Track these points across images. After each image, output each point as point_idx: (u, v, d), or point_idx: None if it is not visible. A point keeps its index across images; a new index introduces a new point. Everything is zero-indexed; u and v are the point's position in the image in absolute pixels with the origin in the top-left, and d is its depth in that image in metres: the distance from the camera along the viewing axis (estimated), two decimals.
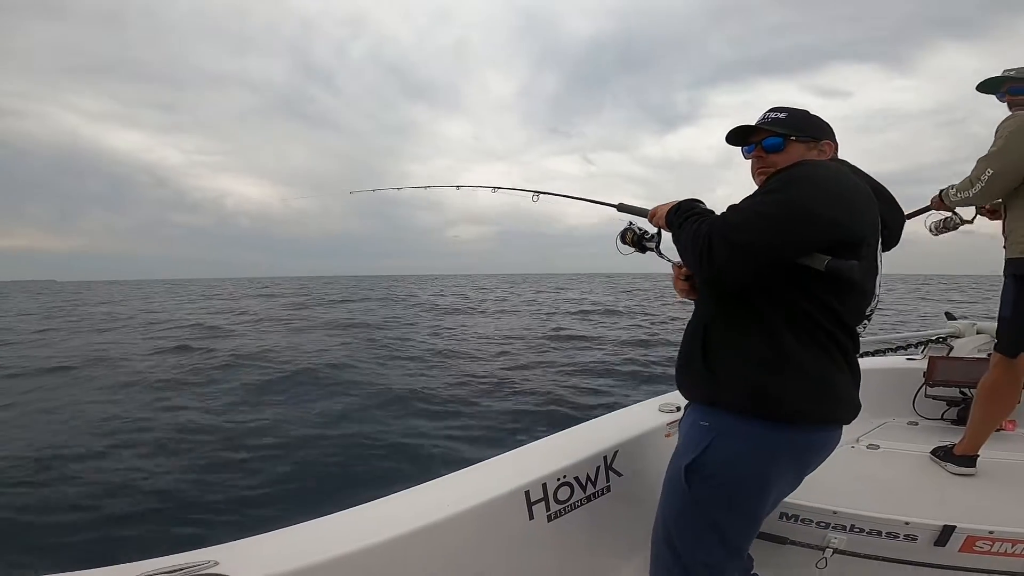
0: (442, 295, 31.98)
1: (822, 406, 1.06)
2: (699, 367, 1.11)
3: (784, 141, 1.13)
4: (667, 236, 1.27)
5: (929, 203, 2.22)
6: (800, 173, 1.02)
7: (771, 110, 1.18)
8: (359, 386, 6.66)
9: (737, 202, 1.04)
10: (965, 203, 2.07)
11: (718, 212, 1.09)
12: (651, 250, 1.42)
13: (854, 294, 1.06)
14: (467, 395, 6.26)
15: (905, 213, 2.44)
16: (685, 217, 1.12)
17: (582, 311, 18.25)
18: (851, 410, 1.11)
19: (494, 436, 4.87)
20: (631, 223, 1.46)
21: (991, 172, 1.82)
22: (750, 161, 1.20)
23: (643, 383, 6.92)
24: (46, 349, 10.66)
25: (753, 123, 1.18)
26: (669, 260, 1.38)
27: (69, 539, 3.20)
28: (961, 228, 2.29)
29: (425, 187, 2.73)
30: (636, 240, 1.44)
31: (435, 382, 6.94)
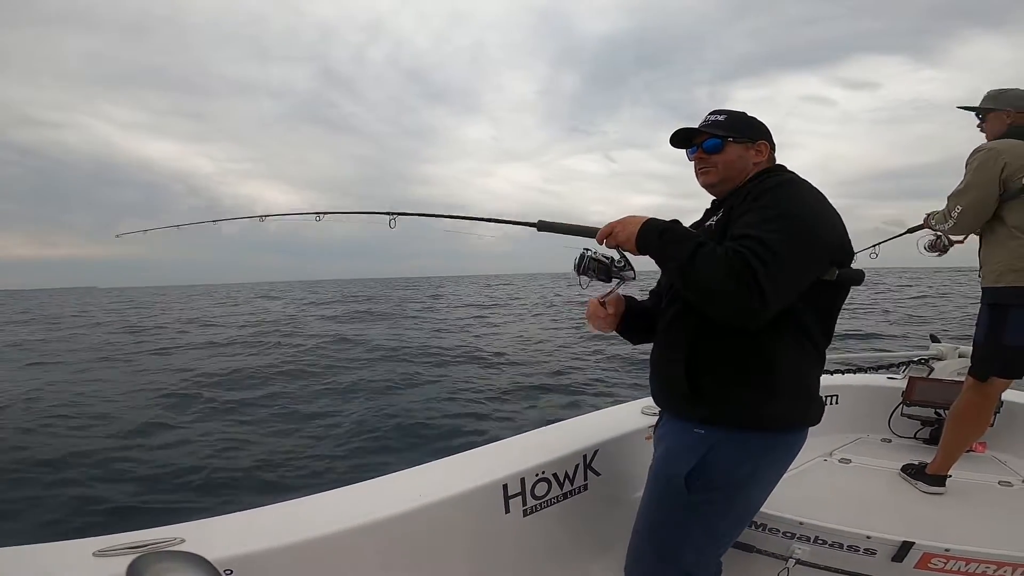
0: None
1: (809, 411, 1.14)
2: (685, 386, 1.13)
3: (722, 142, 1.19)
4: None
5: (923, 222, 2.28)
6: (800, 195, 1.07)
7: (712, 112, 1.24)
8: None
9: (750, 230, 0.98)
10: (945, 234, 2.16)
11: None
12: (621, 280, 1.24)
13: (845, 295, 1.14)
14: None
15: (902, 231, 2.48)
16: (694, 247, 0.99)
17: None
18: (822, 410, 1.19)
19: None
20: (588, 249, 1.24)
21: (959, 209, 1.88)
22: (693, 162, 1.25)
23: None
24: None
25: (695, 126, 1.23)
26: (607, 293, 1.28)
27: (30, 512, 3.20)
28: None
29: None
30: (604, 270, 1.22)
31: None
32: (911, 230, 2.49)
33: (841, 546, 1.55)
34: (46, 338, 13.98)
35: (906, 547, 1.49)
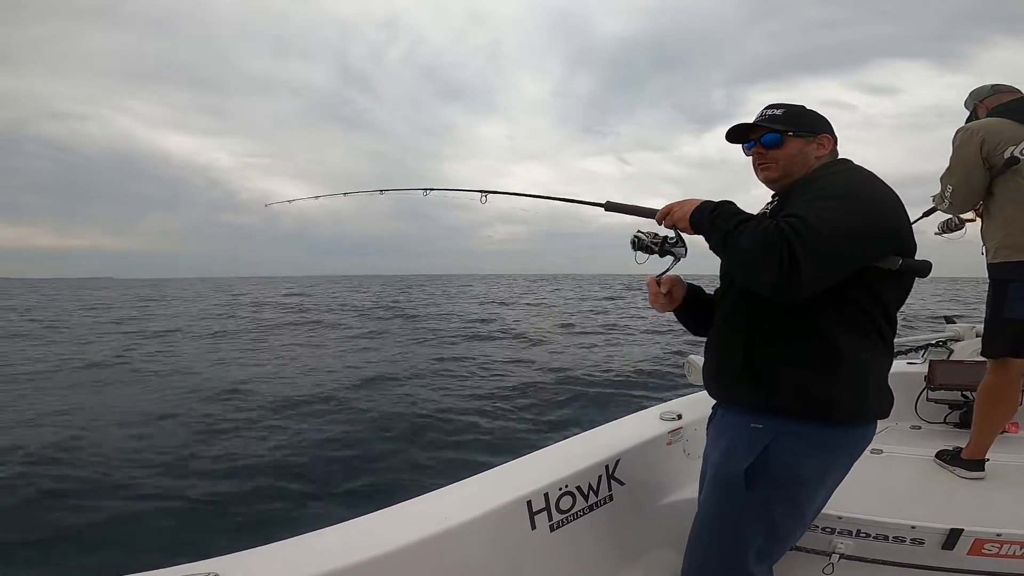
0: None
1: (875, 404, 1.10)
2: (744, 374, 1.10)
3: (782, 136, 1.16)
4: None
5: (933, 205, 2.29)
6: (856, 180, 1.06)
7: (768, 107, 1.21)
8: None
9: (798, 209, 0.98)
10: (947, 213, 2.20)
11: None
12: (673, 256, 1.28)
13: (908, 288, 1.11)
14: None
15: (922, 213, 2.49)
16: (739, 220, 1.01)
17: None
18: (891, 403, 1.14)
19: None
20: (641, 229, 1.31)
21: (951, 188, 1.92)
22: (751, 158, 1.22)
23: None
24: None
25: (751, 121, 1.20)
26: (664, 271, 1.31)
27: (56, 547, 3.13)
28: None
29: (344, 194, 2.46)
30: (659, 246, 1.27)
31: None
32: (926, 213, 2.47)
33: (886, 538, 1.49)
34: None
35: (955, 534, 1.43)
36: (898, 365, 2.78)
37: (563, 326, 14.54)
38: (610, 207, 1.40)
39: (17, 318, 19.14)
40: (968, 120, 2.02)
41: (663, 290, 1.30)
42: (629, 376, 7.55)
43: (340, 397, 6.34)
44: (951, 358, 2.64)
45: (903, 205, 1.08)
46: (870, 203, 1.01)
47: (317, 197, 2.61)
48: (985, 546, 1.42)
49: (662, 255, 1.28)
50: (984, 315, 1.96)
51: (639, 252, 1.30)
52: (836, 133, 1.21)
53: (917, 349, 2.88)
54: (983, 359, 2.50)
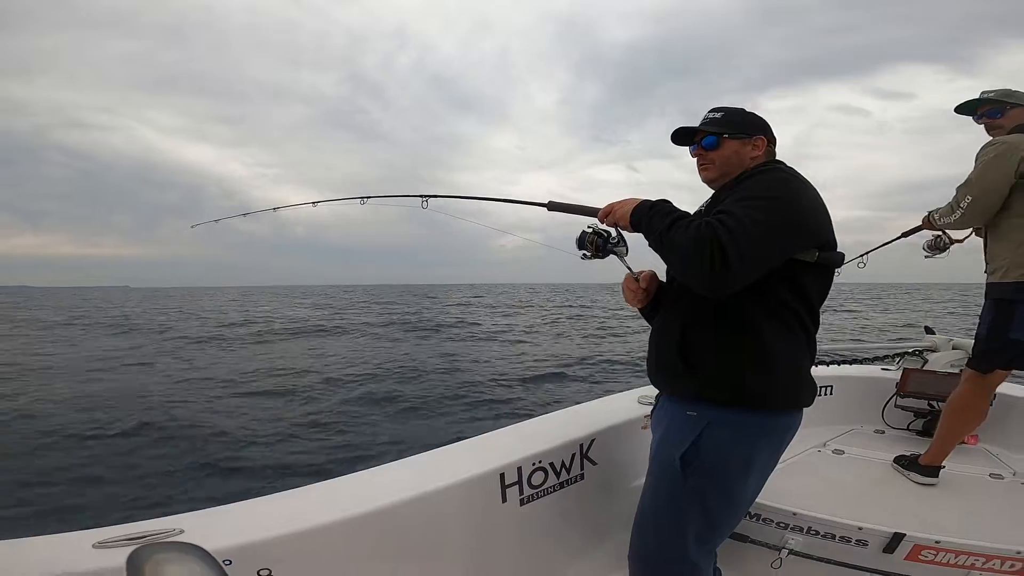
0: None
1: (799, 393, 1.16)
2: (679, 366, 1.17)
3: (718, 139, 1.23)
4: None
5: (921, 223, 2.25)
6: (780, 180, 1.11)
7: (710, 111, 1.28)
8: None
9: (726, 206, 1.04)
10: (949, 227, 2.12)
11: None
12: (616, 255, 1.32)
13: (828, 281, 1.17)
14: None
15: (900, 233, 2.46)
16: (673, 219, 1.08)
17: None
18: (815, 392, 1.21)
19: None
20: (589, 226, 1.33)
21: (970, 199, 1.86)
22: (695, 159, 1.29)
23: None
24: None
25: (696, 125, 1.27)
26: (628, 267, 1.34)
27: (25, 505, 3.22)
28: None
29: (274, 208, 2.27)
30: (600, 245, 1.31)
31: None
32: (905, 234, 2.46)
33: (833, 537, 1.57)
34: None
35: (897, 538, 1.50)
36: (872, 370, 2.85)
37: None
38: (553, 207, 1.42)
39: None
40: (994, 118, 1.91)
41: (643, 285, 1.34)
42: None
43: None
44: (925, 368, 2.71)
45: (824, 204, 1.14)
46: (791, 201, 1.07)
47: (244, 215, 2.51)
48: (922, 552, 1.50)
49: (605, 255, 1.32)
50: (977, 330, 1.95)
51: (582, 250, 1.34)
52: (774, 135, 1.27)
53: (893, 356, 2.94)
54: (955, 371, 2.57)
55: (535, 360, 8.88)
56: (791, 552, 1.58)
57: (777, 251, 1.05)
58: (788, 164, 1.22)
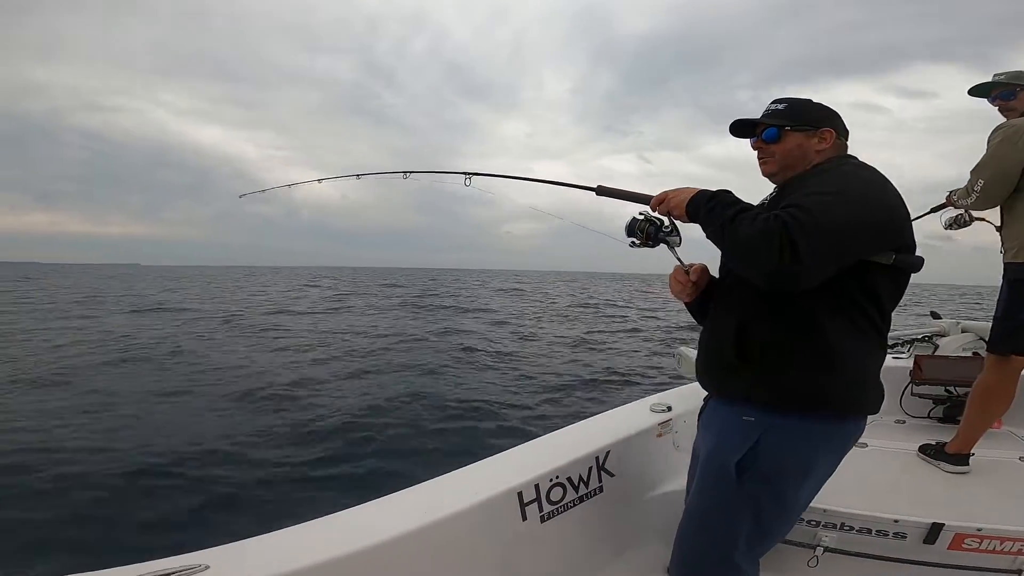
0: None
1: (865, 398, 1.09)
2: (736, 365, 1.10)
3: (779, 131, 1.15)
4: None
5: (945, 200, 2.29)
6: (856, 176, 1.05)
7: (774, 101, 1.20)
8: None
9: (794, 200, 0.97)
10: (969, 209, 2.14)
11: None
12: (667, 244, 1.25)
13: (903, 285, 1.10)
14: None
15: (929, 208, 2.46)
16: (737, 210, 1.00)
17: None
18: (882, 398, 1.13)
19: None
20: (641, 213, 1.27)
21: (982, 183, 1.88)
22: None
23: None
24: None
25: (742, 117, 1.21)
26: (679, 258, 1.28)
27: (51, 541, 3.12)
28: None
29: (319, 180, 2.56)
30: (652, 233, 1.24)
31: None
32: (934, 209, 2.45)
33: (869, 531, 1.52)
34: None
35: (936, 528, 1.45)
36: None
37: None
38: (601, 191, 1.37)
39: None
40: (1008, 99, 1.93)
41: (693, 279, 1.28)
42: None
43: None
44: (936, 353, 2.68)
45: (904, 203, 1.06)
46: (866, 198, 1.01)
47: (290, 185, 2.74)
48: (966, 540, 1.44)
49: (656, 244, 1.26)
50: (995, 312, 1.94)
51: (631, 237, 1.28)
52: (847, 128, 1.18)
53: (903, 343, 2.91)
54: (967, 354, 2.54)
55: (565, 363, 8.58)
56: (826, 549, 1.53)
57: (851, 250, 0.98)
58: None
